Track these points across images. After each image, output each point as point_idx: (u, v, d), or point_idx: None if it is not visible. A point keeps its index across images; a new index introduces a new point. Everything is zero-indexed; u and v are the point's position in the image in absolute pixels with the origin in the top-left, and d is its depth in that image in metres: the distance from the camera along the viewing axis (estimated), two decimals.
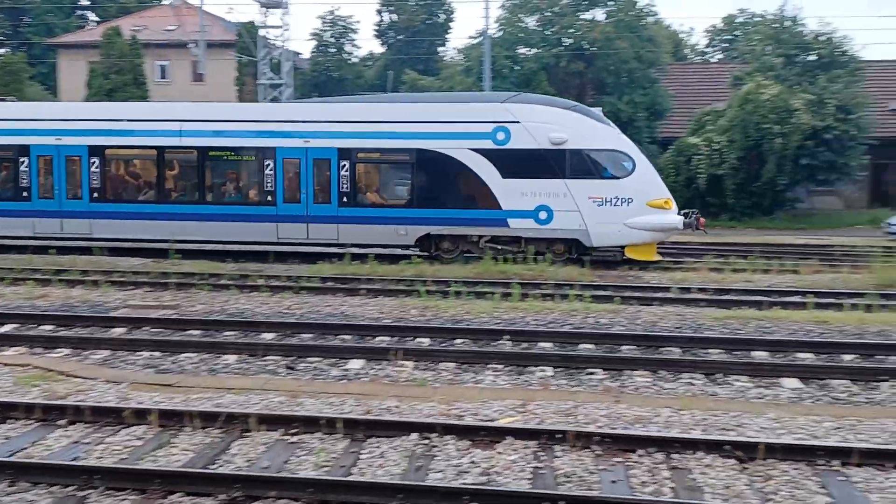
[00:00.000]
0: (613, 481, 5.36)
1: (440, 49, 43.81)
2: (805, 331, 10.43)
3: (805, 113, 27.16)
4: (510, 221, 16.81)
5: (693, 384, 8.16)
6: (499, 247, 16.92)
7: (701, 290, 13.44)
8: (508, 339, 9.88)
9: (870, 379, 8.21)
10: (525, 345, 9.76)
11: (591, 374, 8.50)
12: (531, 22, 33.81)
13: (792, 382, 8.16)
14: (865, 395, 7.84)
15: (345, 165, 17.18)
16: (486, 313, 11.42)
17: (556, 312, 11.47)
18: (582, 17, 33.36)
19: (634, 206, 16.41)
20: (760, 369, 8.51)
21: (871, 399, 7.72)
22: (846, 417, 6.71)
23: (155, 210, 18.30)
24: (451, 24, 43.91)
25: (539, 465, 5.63)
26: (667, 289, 13.64)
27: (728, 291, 13.53)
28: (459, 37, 63.95)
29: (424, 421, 6.36)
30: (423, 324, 10.80)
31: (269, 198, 17.64)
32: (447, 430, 6.15)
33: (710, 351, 9.40)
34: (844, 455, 5.66)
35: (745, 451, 5.73)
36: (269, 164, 17.56)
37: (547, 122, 16.70)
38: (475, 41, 34.42)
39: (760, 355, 9.21)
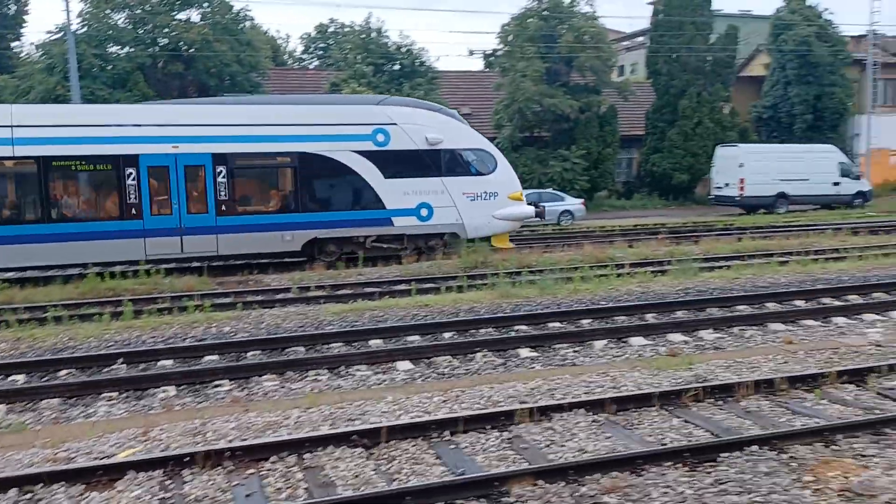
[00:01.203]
0: (248, 495, 5.28)
1: (14, 44, 38.21)
2: (412, 315, 11.46)
3: None
4: (395, 220, 17.35)
5: (319, 380, 8.44)
6: (384, 246, 17.42)
7: (319, 287, 13.95)
8: (123, 363, 9.13)
9: (466, 352, 9.37)
10: (143, 366, 9.12)
11: (218, 386, 8.28)
12: (120, 19, 31.41)
13: (405, 364, 8.93)
14: (464, 366, 8.93)
15: (221, 171, 16.23)
16: (95, 337, 10.37)
17: (176, 326, 10.89)
18: (176, 17, 31.99)
19: (499, 199, 17.95)
20: (377, 356, 9.14)
21: (468, 370, 8.82)
22: (451, 390, 7.55)
23: None
24: (25, 17, 38.45)
25: (167, 495, 5.30)
26: (287, 289, 13.87)
27: (343, 286, 14.26)
28: (37, 31, 56.48)
29: (25, 472, 5.55)
30: (15, 359, 9.41)
31: (134, 211, 15.77)
32: (55, 477, 5.44)
33: (332, 345, 9.83)
34: (452, 425, 6.37)
35: (370, 438, 6.11)
36: (131, 174, 15.72)
37: (422, 124, 17.42)
38: (55, 37, 30.83)
39: (376, 343, 9.90)
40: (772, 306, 11.83)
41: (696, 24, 34.86)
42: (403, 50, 33.43)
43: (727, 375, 7.80)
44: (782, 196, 31.06)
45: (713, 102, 35.52)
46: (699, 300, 12.17)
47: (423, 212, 17.51)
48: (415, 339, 10.06)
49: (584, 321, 11.01)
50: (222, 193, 16.29)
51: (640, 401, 6.88)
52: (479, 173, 17.99)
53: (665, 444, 5.94)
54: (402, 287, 13.84)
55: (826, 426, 6.02)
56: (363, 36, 34.02)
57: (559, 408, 6.73)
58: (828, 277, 14.16)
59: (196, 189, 16.24)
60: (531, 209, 19.13)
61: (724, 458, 5.59)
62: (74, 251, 15.56)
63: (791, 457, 5.60)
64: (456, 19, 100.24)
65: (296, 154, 16.83)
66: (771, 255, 16.99)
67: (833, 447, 5.79)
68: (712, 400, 7.02)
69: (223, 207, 16.35)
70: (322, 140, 16.89)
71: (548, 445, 6.08)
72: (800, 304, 11.96)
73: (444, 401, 7.17)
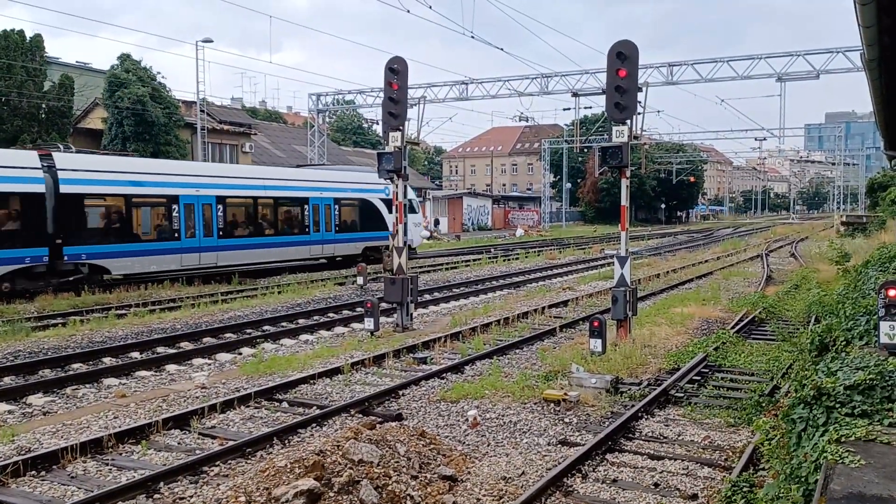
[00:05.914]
0: None
1: None
2: None
3: None
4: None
5: None
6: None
7: None
8: None
9: None
10: None
11: None
12: None
13: None
14: None
15: (334, 208, 27.53)
16: None
17: None
18: None
19: (421, 226, 33.50)
20: None
21: None
22: None
23: None
24: None
25: None
26: None
27: None
28: None
29: None
30: None
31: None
32: None
33: None
34: None
35: None
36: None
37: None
38: None
39: None
40: (108, 361, 11.75)
41: (28, 69, 32.76)
42: None
43: (54, 442, 7.40)
44: None
45: None
46: (30, 363, 11.27)
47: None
48: None
49: None
50: (334, 220, 27.23)
51: None
52: (415, 212, 29.90)
53: None
54: None
55: (149, 476, 6.21)
56: None
57: None
58: (163, 327, 14.81)
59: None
60: (427, 232, 32.09)
61: None
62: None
63: None
64: None
65: (360, 199, 28.13)
66: (110, 308, 16.89)
67: (156, 496, 6.02)
68: (35, 472, 6.55)
69: (337, 228, 27.39)
70: (369, 192, 28.18)
71: None
72: (136, 355, 12.17)
73: None
